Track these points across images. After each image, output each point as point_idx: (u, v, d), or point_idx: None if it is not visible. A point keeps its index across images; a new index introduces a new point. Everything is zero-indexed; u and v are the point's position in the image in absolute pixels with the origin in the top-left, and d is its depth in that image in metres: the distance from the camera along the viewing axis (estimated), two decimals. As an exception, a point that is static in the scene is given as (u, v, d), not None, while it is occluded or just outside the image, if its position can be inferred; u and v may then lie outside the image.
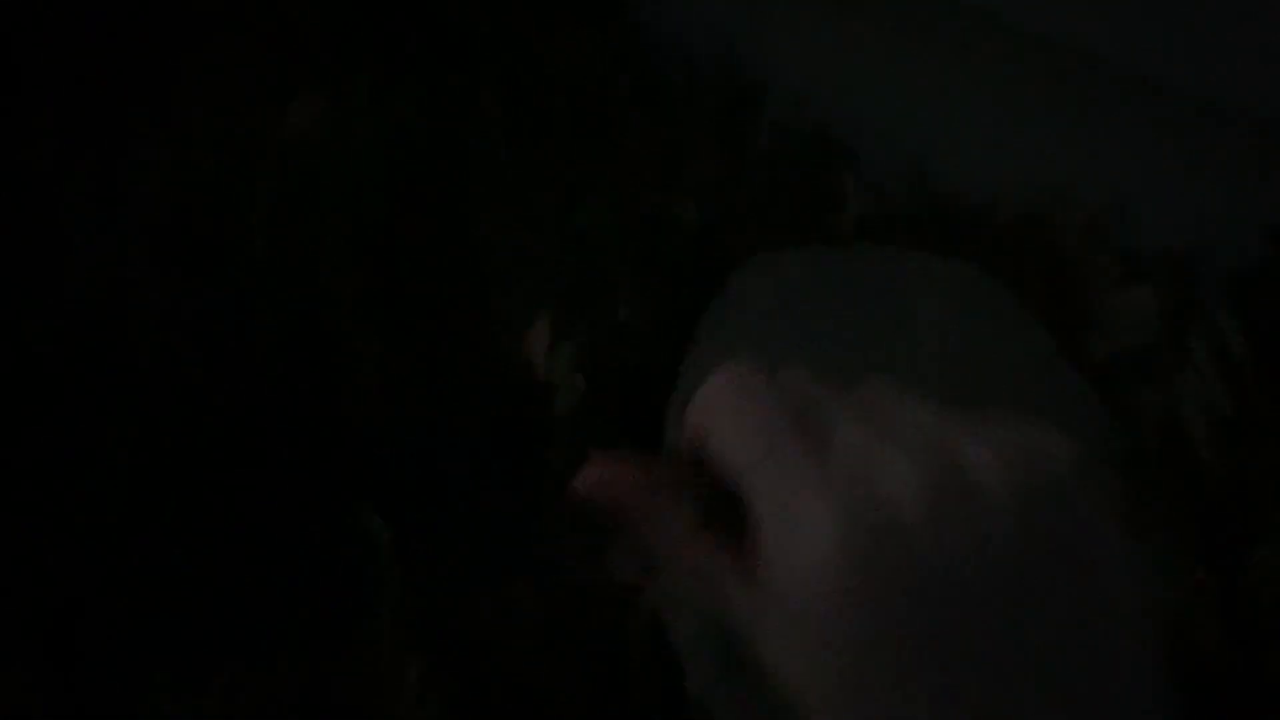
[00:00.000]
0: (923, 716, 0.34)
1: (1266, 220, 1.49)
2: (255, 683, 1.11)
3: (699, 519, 0.40)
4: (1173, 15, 1.51)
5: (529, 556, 1.28)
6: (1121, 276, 1.51)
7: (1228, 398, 1.41)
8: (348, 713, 1.11)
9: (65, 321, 1.32)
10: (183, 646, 1.12)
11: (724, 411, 0.40)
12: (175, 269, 1.37)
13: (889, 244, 1.70)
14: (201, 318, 1.36)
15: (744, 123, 1.79)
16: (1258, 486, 1.36)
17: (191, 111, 1.46)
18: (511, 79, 1.70)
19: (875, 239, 1.72)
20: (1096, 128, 1.62)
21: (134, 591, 1.14)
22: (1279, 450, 1.38)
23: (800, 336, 1.44)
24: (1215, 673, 1.24)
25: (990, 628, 0.36)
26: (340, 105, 1.55)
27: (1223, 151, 1.53)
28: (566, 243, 1.58)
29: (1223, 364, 1.43)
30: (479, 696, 1.18)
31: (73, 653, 1.09)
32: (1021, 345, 1.49)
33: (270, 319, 1.39)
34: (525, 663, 1.21)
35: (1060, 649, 0.36)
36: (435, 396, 1.40)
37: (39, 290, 1.36)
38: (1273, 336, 1.43)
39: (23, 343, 1.30)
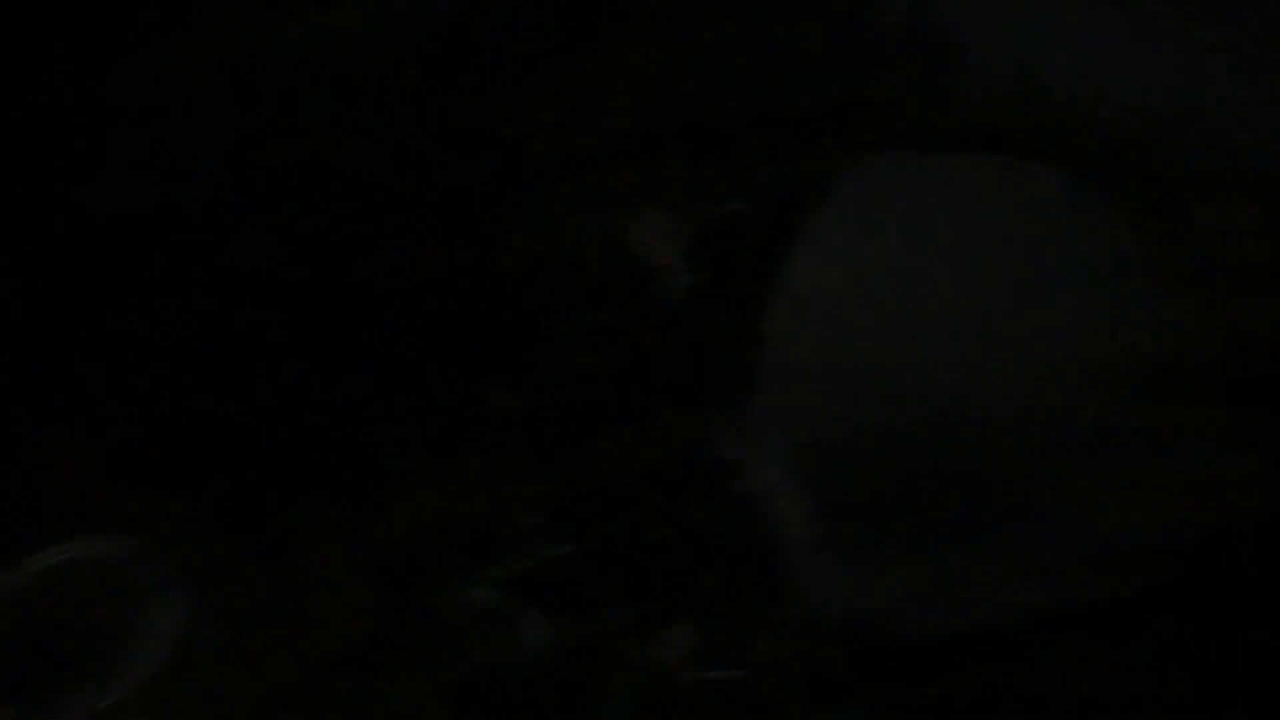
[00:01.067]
0: None
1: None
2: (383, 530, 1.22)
3: None
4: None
5: (627, 434, 1.36)
6: (1226, 193, 1.52)
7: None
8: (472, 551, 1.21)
9: (101, 218, 1.37)
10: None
11: None
12: (214, 165, 1.43)
13: (999, 150, 1.72)
14: (242, 218, 1.41)
15: (858, 18, 1.80)
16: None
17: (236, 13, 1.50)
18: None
19: (982, 145, 1.75)
20: (1218, 40, 1.61)
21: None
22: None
23: (896, 243, 1.49)
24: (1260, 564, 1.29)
25: None
26: (381, 8, 1.58)
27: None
28: (670, 132, 1.63)
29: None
30: (591, 540, 1.27)
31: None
32: (1118, 259, 1.52)
33: (313, 220, 1.45)
34: (624, 518, 1.30)
35: None
36: (548, 274, 1.48)
37: (72, 191, 1.42)
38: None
39: (60, 238, 1.35)
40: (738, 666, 1.19)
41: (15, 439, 1.24)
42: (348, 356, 1.37)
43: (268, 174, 1.45)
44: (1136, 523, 1.30)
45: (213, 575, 1.15)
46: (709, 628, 1.21)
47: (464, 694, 1.13)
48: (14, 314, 1.33)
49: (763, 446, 1.34)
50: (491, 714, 1.13)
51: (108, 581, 1.12)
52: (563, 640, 1.16)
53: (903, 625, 1.25)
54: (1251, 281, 1.47)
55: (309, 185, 1.47)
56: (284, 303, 1.40)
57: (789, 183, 1.59)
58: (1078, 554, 1.28)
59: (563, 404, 1.39)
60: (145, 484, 1.21)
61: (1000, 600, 1.26)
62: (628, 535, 1.26)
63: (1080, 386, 1.38)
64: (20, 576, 1.11)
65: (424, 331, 1.42)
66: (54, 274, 1.40)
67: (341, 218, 1.45)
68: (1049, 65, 1.74)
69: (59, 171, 1.46)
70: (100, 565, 1.13)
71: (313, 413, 1.29)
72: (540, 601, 1.18)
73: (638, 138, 1.62)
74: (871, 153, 1.61)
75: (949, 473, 1.32)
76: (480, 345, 1.42)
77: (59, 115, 1.47)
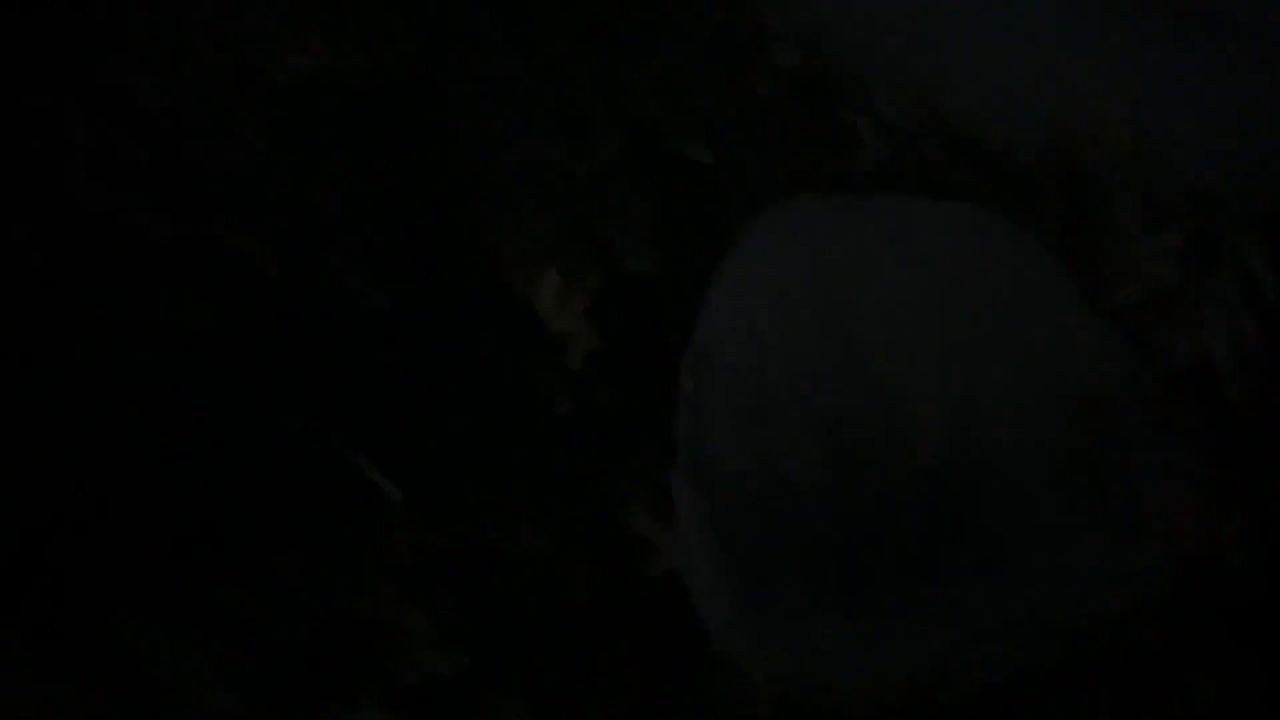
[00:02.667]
0: None
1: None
2: (261, 630, 1.08)
3: None
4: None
5: (542, 508, 1.24)
6: (1146, 218, 1.46)
7: (1257, 336, 1.37)
8: (358, 659, 1.09)
9: (63, 242, 1.28)
10: (185, 587, 1.09)
11: None
12: (173, 201, 1.33)
13: (905, 190, 1.65)
14: (199, 256, 1.32)
15: (751, 64, 1.73)
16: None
17: (192, 50, 1.41)
18: (512, 16, 1.64)
19: (891, 184, 1.68)
20: (1117, 59, 1.56)
21: (129, 526, 1.11)
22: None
23: (812, 288, 1.40)
24: (1244, 603, 1.21)
25: None
26: (339, 47, 1.50)
27: (1249, 86, 1.47)
28: (574, 186, 1.54)
29: (1252, 303, 1.38)
30: (491, 646, 1.15)
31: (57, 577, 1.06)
32: (1041, 291, 1.45)
33: (267, 261, 1.35)
34: (539, 614, 1.18)
35: None
36: (440, 345, 1.37)
37: (34, 216, 1.33)
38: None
39: (21, 262, 1.27)
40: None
41: None
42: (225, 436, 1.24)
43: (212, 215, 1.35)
44: (1088, 567, 1.21)
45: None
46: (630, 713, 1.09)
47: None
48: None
49: (681, 517, 1.23)
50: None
51: None
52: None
53: (839, 696, 1.14)
54: (1178, 309, 1.40)
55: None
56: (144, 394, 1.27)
57: (693, 235, 1.50)
58: (1027, 606, 1.18)
59: (460, 483, 1.27)
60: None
61: (947, 664, 1.15)
62: (535, 629, 1.13)
63: (1013, 423, 1.29)
64: None
65: (313, 406, 1.29)
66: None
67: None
68: (953, 98, 1.68)
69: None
70: None
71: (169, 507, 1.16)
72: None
73: (533, 192, 1.53)
74: (778, 200, 1.53)
75: (879, 523, 1.22)
76: (372, 418, 1.30)
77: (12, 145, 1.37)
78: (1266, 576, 1.20)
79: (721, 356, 1.32)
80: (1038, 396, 1.30)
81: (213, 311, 1.21)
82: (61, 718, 0.98)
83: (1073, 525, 1.23)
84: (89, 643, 1.02)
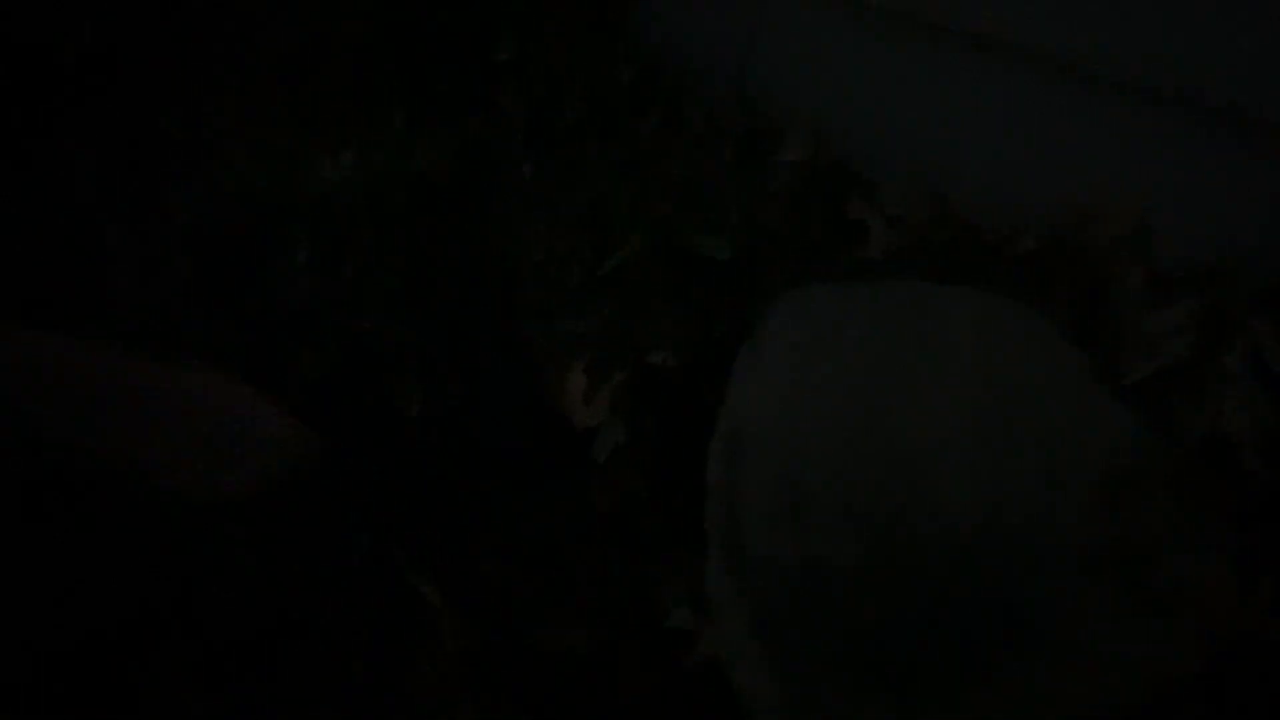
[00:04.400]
0: None
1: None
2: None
3: None
4: (1190, 24, 1.50)
5: (579, 599, 1.25)
6: (1154, 294, 1.49)
7: (1270, 408, 1.38)
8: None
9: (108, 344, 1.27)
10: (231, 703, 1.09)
11: None
12: (216, 312, 1.35)
13: (915, 276, 1.68)
14: (240, 356, 1.34)
15: (764, 159, 1.77)
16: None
17: (232, 165, 1.46)
18: (537, 123, 1.69)
19: (901, 271, 1.70)
20: (1119, 144, 1.60)
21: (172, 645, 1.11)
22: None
23: (835, 375, 1.41)
24: (1270, 677, 1.21)
25: None
26: (369, 158, 1.54)
27: (1248, 162, 1.50)
28: (597, 284, 1.57)
29: (1262, 375, 1.40)
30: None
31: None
32: (1056, 371, 1.46)
33: (308, 367, 1.38)
34: (583, 709, 1.18)
35: None
36: (475, 444, 1.38)
37: (88, 322, 1.33)
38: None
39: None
40: None
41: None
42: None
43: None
44: (1124, 648, 1.20)
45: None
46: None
47: None
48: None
49: (719, 607, 1.23)
50: None
51: None
52: None
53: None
54: (1190, 384, 1.41)
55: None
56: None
57: (713, 327, 1.53)
58: (1068, 690, 1.17)
59: (501, 582, 1.27)
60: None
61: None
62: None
63: (1043, 508, 1.29)
64: None
65: (358, 513, 1.30)
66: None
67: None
68: (960, 187, 1.72)
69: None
70: None
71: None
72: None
73: (560, 291, 1.55)
74: (793, 290, 1.55)
75: (921, 611, 1.21)
76: (414, 521, 1.31)
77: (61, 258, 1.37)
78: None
79: (752, 444, 1.33)
80: (1064, 481, 1.30)
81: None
82: None
83: (1106, 607, 1.23)
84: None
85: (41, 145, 1.48)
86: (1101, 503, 1.31)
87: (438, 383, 1.40)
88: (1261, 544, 1.30)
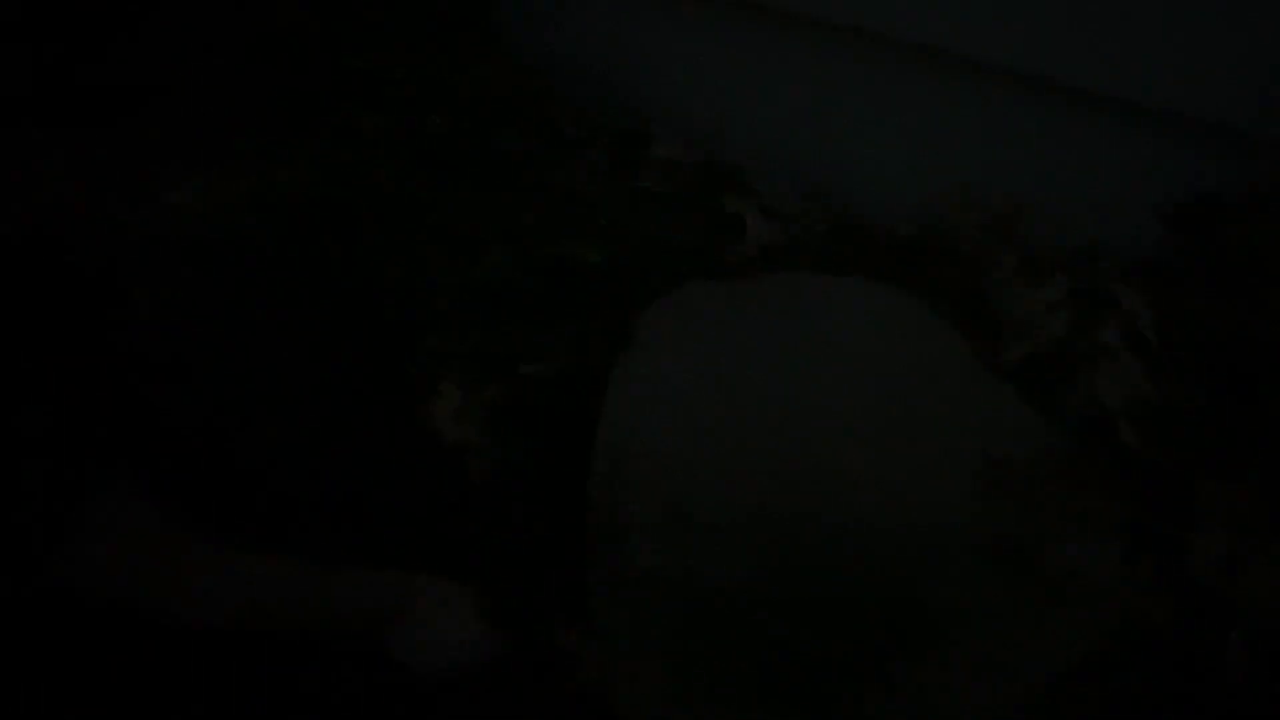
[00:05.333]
0: None
1: (1157, 208, 1.47)
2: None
3: None
4: (1054, 8, 1.50)
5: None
6: (1028, 276, 1.48)
7: (1146, 383, 1.38)
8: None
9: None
10: None
11: None
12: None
13: (794, 270, 1.66)
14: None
15: (636, 160, 1.74)
16: (1187, 467, 1.33)
17: (63, 197, 1.36)
18: (398, 138, 1.63)
19: (779, 266, 1.68)
20: (989, 130, 1.60)
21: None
22: (1202, 430, 1.35)
23: (717, 377, 1.37)
24: (1168, 654, 1.20)
25: None
26: (218, 184, 1.47)
27: (1114, 143, 1.51)
28: (466, 297, 1.51)
29: (1137, 350, 1.40)
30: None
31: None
32: (939, 356, 1.45)
33: (165, 405, 1.30)
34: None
35: None
36: (341, 467, 1.32)
37: None
38: (1181, 317, 1.40)
39: None
40: None
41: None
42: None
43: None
44: (1023, 638, 1.18)
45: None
46: None
47: None
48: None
49: (604, 628, 1.18)
50: None
51: None
52: None
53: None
54: (1067, 361, 1.41)
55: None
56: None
57: (589, 335, 1.48)
58: (972, 686, 1.14)
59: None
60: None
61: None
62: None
63: (936, 501, 1.27)
64: None
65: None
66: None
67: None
68: (832, 179, 1.70)
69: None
70: None
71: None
72: None
73: (425, 308, 1.50)
74: (671, 291, 1.51)
75: (819, 620, 1.17)
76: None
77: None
78: (1185, 625, 1.19)
79: (633, 456, 1.28)
80: (955, 472, 1.29)
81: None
82: None
83: (999, 599, 1.21)
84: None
85: None
86: (990, 491, 1.30)
87: (300, 412, 1.33)
88: (1145, 521, 1.30)
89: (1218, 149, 1.43)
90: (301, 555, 1.11)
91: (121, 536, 1.04)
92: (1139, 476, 1.33)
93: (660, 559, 1.21)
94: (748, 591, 1.19)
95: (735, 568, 1.20)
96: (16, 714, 1.02)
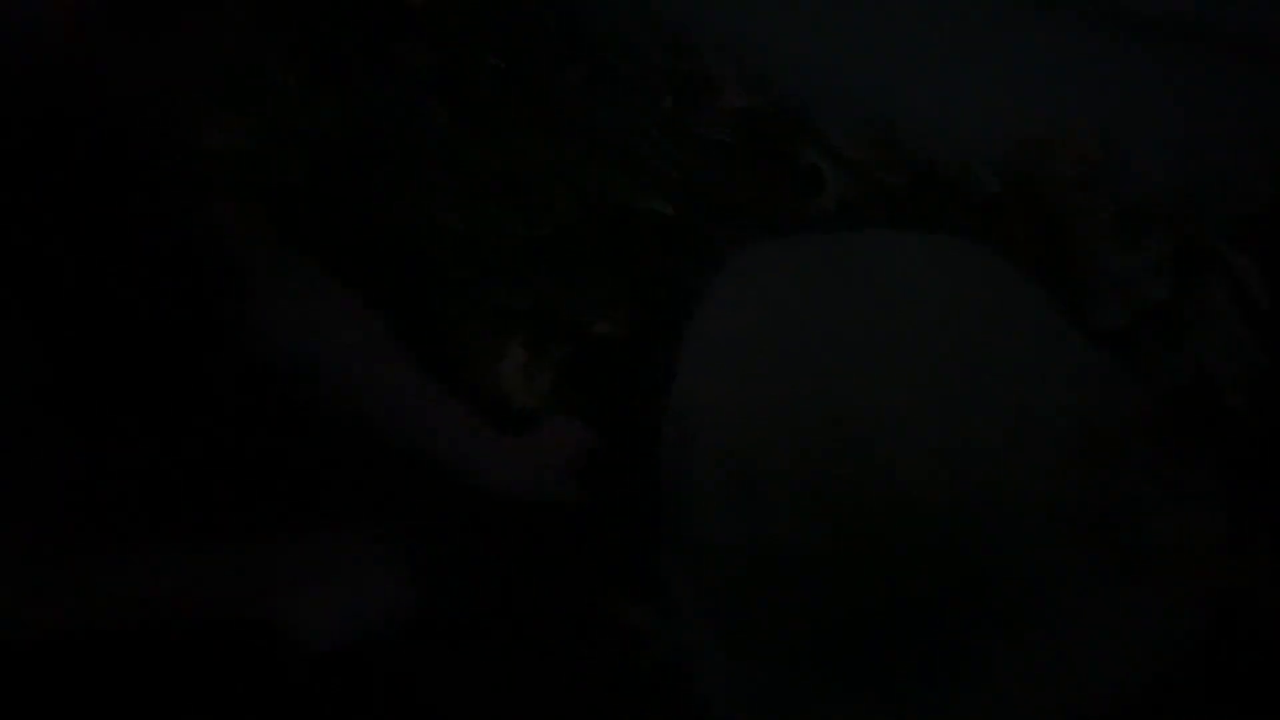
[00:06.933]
0: None
1: (1271, 156, 1.37)
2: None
3: None
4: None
5: (531, 606, 1.15)
6: (1124, 233, 1.39)
7: (1253, 344, 1.30)
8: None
9: None
10: None
11: None
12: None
13: (872, 224, 1.58)
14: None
15: (702, 108, 1.66)
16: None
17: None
18: (454, 76, 1.56)
19: (856, 220, 1.60)
20: (1074, 67, 1.50)
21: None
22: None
23: (787, 341, 1.31)
24: (1269, 621, 1.13)
25: None
26: (264, 125, 1.41)
27: (1215, 83, 1.41)
28: (531, 251, 1.45)
29: (1243, 310, 1.31)
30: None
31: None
32: (1025, 318, 1.37)
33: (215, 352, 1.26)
34: (537, 705, 1.08)
35: None
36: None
37: None
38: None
39: None
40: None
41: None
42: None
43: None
44: (1115, 620, 1.12)
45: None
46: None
47: None
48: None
49: (674, 601, 1.13)
50: None
51: None
52: None
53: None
54: (1169, 325, 1.33)
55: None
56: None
57: (660, 293, 1.42)
58: (1056, 672, 1.08)
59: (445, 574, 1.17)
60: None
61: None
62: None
63: (1015, 471, 1.20)
64: None
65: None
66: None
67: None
68: (912, 125, 1.61)
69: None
70: None
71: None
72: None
73: (485, 263, 1.44)
74: (742, 249, 1.44)
75: (886, 592, 1.12)
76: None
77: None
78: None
79: (701, 422, 1.23)
80: (1036, 440, 1.21)
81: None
82: None
83: (1092, 577, 1.14)
84: None
85: None
86: (1077, 459, 1.23)
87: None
88: (1253, 493, 1.22)
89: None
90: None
91: None
92: (1245, 446, 1.26)
93: (726, 530, 1.16)
94: (815, 566, 1.14)
95: (802, 541, 1.15)
96: None
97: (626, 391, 1.30)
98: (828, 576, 1.11)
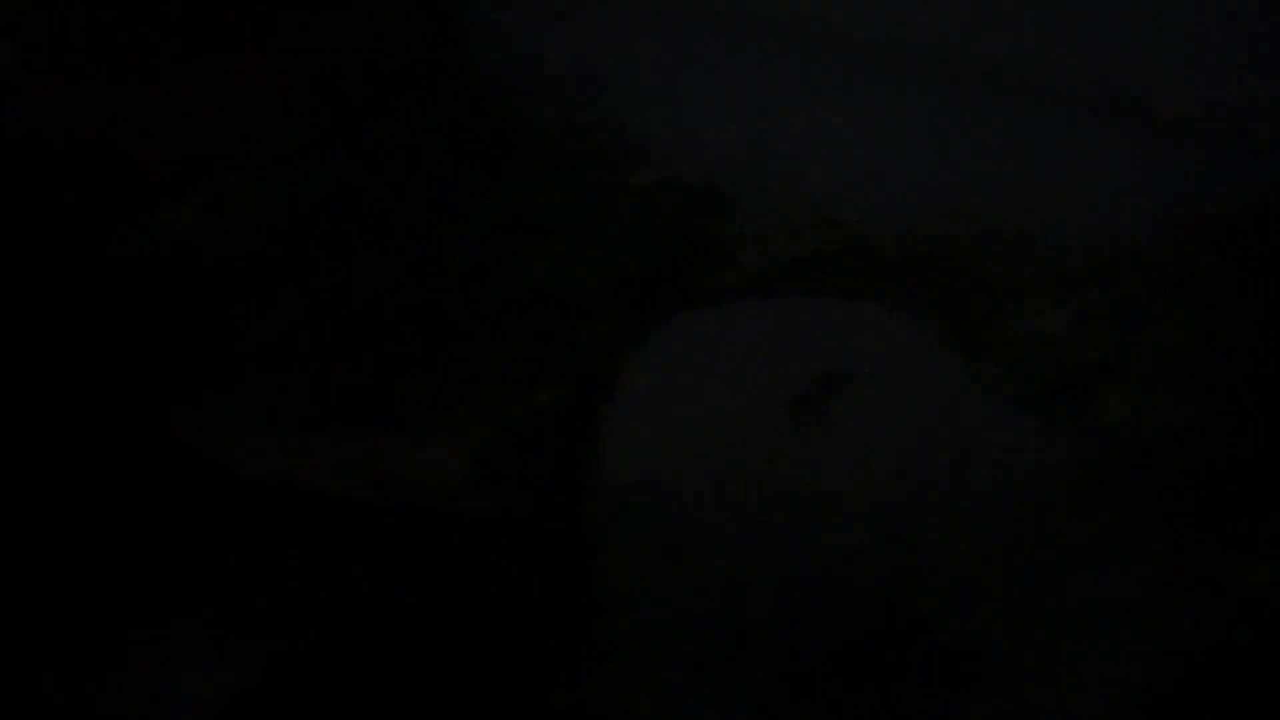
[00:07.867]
0: None
1: (1177, 219, 1.41)
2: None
3: None
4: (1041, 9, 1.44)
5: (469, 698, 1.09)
6: (1045, 292, 1.41)
7: (1178, 406, 1.31)
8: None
9: None
10: None
11: None
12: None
13: (788, 296, 1.58)
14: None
15: (616, 182, 1.65)
16: (1227, 488, 1.26)
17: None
18: (354, 171, 1.53)
19: (770, 289, 1.60)
20: (984, 135, 1.53)
21: None
22: (1236, 450, 1.29)
23: (718, 412, 1.30)
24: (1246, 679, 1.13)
25: None
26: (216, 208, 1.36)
27: (1124, 151, 1.45)
28: (449, 330, 1.42)
29: (1165, 369, 1.33)
30: None
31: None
32: (947, 383, 1.38)
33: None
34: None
35: None
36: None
37: None
38: (1209, 334, 1.34)
39: None
40: None
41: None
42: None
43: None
44: (1088, 667, 1.11)
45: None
46: None
47: None
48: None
49: (621, 677, 1.09)
50: None
51: None
52: None
53: None
54: (1099, 382, 1.33)
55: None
56: None
57: (584, 366, 1.39)
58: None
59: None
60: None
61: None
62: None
63: (959, 538, 1.19)
64: None
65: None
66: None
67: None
68: (823, 197, 1.62)
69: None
70: None
71: None
72: None
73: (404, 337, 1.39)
74: (664, 320, 1.43)
75: (835, 666, 1.10)
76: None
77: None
78: (1261, 644, 1.12)
79: (631, 502, 1.20)
80: (971, 503, 1.21)
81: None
82: None
83: (1050, 629, 1.14)
84: None
85: None
86: (1010, 520, 1.23)
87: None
88: (1179, 549, 1.22)
89: (1243, 155, 1.37)
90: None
91: None
92: (1173, 503, 1.26)
93: (670, 605, 1.13)
94: (760, 636, 1.11)
95: (744, 608, 1.13)
96: None
97: (547, 473, 1.25)
98: (775, 648, 1.09)
